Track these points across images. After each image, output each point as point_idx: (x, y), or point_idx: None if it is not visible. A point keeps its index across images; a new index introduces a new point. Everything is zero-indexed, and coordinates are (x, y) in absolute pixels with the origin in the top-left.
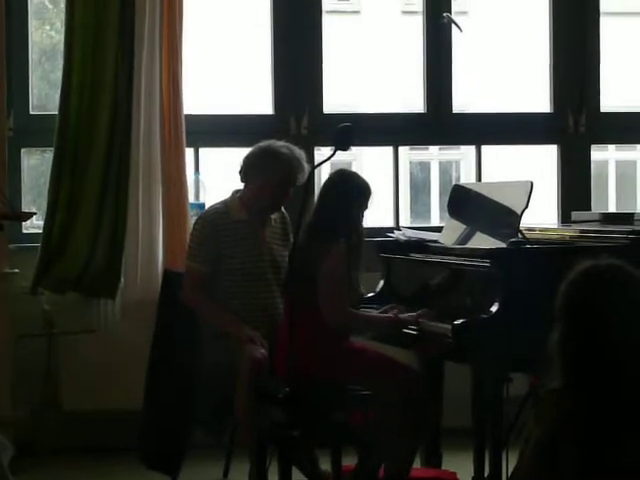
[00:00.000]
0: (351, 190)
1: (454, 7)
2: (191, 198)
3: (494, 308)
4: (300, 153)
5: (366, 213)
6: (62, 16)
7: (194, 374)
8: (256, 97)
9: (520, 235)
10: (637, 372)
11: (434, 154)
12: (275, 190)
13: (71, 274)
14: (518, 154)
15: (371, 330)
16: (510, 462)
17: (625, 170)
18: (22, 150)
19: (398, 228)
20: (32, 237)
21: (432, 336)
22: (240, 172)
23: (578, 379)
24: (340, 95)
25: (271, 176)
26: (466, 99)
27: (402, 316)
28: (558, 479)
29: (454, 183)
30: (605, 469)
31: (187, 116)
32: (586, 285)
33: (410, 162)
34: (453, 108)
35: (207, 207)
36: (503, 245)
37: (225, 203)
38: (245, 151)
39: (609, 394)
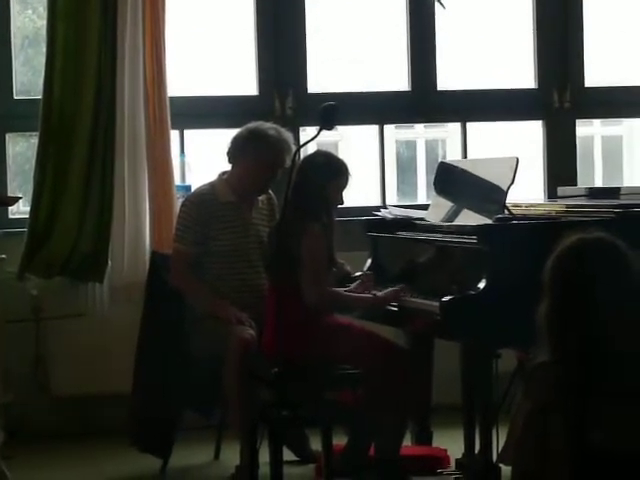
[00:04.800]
0: (325, 169)
1: None
2: (177, 180)
3: (481, 284)
4: (288, 135)
5: (345, 192)
6: (45, 1)
7: (183, 356)
8: (240, 78)
9: (506, 211)
10: (623, 344)
11: (420, 132)
12: (262, 172)
13: (58, 258)
14: (503, 131)
15: (350, 309)
16: (500, 438)
17: (611, 145)
18: (7, 135)
19: (385, 207)
20: (18, 222)
21: (420, 313)
22: (228, 154)
23: (565, 352)
24: (325, 75)
25: (258, 158)
26: (451, 76)
27: (380, 295)
28: (547, 452)
29: (440, 160)
30: (592, 440)
31: (171, 98)
32: (573, 258)
33: (396, 141)
34: (438, 85)
35: (194, 189)
36: (489, 221)
37: (212, 185)
38: (230, 132)
39: (595, 366)
